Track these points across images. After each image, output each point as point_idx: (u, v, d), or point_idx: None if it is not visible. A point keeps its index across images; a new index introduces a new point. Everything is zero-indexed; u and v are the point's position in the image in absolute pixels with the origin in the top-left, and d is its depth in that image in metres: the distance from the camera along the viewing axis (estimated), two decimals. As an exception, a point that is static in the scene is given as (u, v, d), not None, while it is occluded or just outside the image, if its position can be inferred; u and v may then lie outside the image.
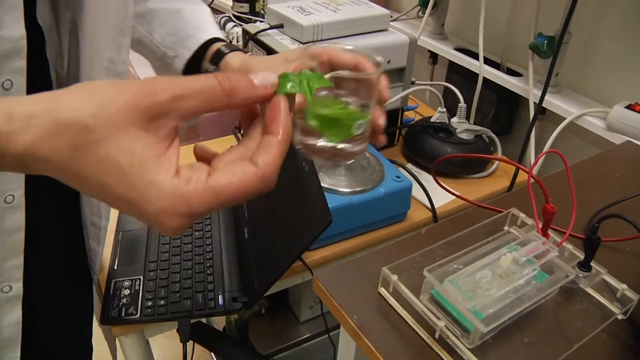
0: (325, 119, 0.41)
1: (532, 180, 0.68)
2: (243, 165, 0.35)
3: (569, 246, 0.67)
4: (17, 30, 0.48)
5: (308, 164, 0.86)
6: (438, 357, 0.57)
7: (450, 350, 0.56)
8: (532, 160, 1.19)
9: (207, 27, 0.76)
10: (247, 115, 0.41)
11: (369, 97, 0.44)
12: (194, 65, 0.75)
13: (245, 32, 1.08)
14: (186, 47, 0.75)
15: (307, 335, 1.19)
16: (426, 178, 1.08)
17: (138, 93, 0.33)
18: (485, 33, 1.27)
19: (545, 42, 1.12)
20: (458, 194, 0.88)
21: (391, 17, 1.56)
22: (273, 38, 1.04)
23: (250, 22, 1.52)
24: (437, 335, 0.57)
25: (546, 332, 0.60)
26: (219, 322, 1.24)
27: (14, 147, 0.32)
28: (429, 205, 1.02)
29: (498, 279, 0.59)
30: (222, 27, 1.59)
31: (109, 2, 0.60)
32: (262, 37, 1.04)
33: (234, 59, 0.71)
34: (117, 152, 0.33)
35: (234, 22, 1.59)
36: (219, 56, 0.72)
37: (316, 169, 0.84)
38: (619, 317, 0.64)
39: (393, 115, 1.16)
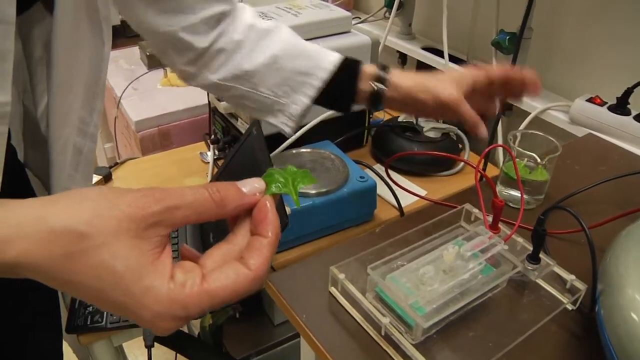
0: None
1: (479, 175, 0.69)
2: (235, 266, 0.36)
3: (520, 239, 0.67)
4: (2, 96, 0.48)
5: (267, 167, 0.86)
6: (385, 354, 0.57)
7: (396, 346, 0.56)
8: (500, 157, 1.20)
9: (316, 65, 0.76)
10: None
11: None
12: (331, 92, 0.77)
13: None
14: (303, 93, 0.77)
15: (282, 338, 1.19)
16: (394, 178, 1.08)
17: (133, 205, 0.34)
18: (450, 31, 1.27)
19: (507, 38, 1.13)
20: (413, 190, 0.88)
21: (360, 18, 1.58)
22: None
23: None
24: (383, 332, 0.57)
25: (493, 325, 0.60)
26: (194, 328, 1.24)
27: (5, 255, 0.32)
28: (396, 205, 1.02)
29: (442, 274, 0.59)
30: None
31: (81, 63, 0.60)
32: (225, 43, 1.05)
33: (402, 79, 0.75)
34: (113, 258, 0.33)
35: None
36: (381, 80, 0.75)
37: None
38: (569, 307, 0.64)
39: (360, 116, 1.17)
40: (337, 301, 0.63)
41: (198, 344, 1.09)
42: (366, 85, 0.75)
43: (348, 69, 0.76)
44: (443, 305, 0.56)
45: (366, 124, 1.19)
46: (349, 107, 0.78)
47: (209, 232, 0.96)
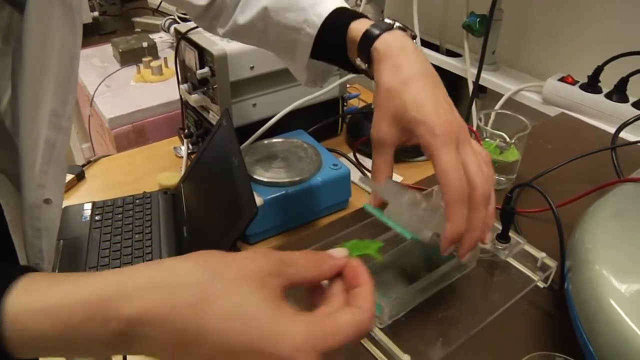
0: None
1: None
2: (349, 309, 0.37)
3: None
4: None
5: (237, 158, 0.84)
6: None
7: (364, 330, 0.55)
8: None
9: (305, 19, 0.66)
10: (310, 289, 0.42)
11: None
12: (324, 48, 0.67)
13: (177, 32, 1.06)
14: (299, 51, 0.69)
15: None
16: (369, 165, 1.07)
17: (249, 258, 0.36)
18: (422, 16, 1.26)
19: (477, 20, 1.12)
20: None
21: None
22: (203, 36, 1.02)
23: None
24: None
25: (463, 305, 0.59)
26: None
27: (126, 310, 0.32)
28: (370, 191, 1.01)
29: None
30: (167, 29, 1.57)
31: (53, 54, 0.57)
32: (192, 36, 1.03)
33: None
34: (243, 300, 0.34)
35: (178, 23, 1.57)
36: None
37: (245, 161, 0.83)
38: (540, 285, 0.64)
39: (333, 105, 1.15)
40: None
41: None
42: (353, 54, 0.64)
43: (336, 26, 0.65)
44: (410, 288, 0.55)
45: (340, 112, 1.17)
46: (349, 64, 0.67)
47: (182, 226, 0.95)
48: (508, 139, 0.75)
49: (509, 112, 0.80)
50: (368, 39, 0.59)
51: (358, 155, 1.01)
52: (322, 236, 0.64)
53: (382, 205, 0.57)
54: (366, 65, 0.61)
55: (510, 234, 0.63)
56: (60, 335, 0.33)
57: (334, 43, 0.65)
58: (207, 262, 0.36)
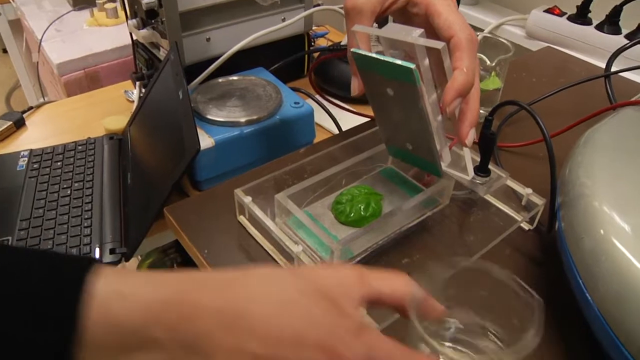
0: None
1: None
2: None
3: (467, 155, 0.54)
4: None
5: (182, 91, 0.72)
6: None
7: (313, 280, 0.44)
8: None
9: None
10: None
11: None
12: None
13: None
14: None
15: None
16: (337, 107, 0.95)
17: None
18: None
19: (456, -54, 0.98)
20: (347, 106, 0.75)
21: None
22: None
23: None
24: (295, 264, 0.45)
25: (433, 249, 0.48)
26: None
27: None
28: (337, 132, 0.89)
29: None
30: None
31: None
32: None
33: None
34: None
35: None
36: None
37: (190, 96, 0.71)
38: (525, 227, 0.53)
39: (298, 42, 1.02)
40: (248, 232, 0.50)
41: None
42: None
43: None
44: (366, 228, 0.44)
45: (306, 49, 1.04)
46: None
47: (127, 172, 0.83)
48: (488, 62, 0.63)
49: (490, 35, 0.68)
50: None
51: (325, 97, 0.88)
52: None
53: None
54: None
55: (490, 167, 0.52)
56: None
57: None
58: None
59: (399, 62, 0.41)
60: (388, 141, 0.52)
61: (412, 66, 0.40)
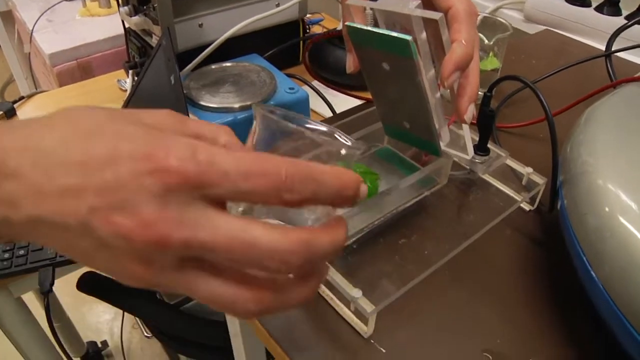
0: None
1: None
2: None
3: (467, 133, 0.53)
4: None
5: (174, 76, 0.70)
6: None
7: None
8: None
9: None
10: None
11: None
12: None
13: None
14: None
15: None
16: (333, 93, 0.93)
17: None
18: None
19: None
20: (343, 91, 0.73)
21: None
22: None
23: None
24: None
25: (430, 229, 0.47)
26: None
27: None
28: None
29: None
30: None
31: None
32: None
33: None
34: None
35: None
36: None
37: (182, 82, 0.69)
38: (525, 207, 0.51)
39: (293, 29, 1.00)
40: (239, 215, 0.48)
41: (127, 289, 0.94)
42: None
43: None
44: (361, 207, 0.42)
45: (301, 36, 1.02)
46: None
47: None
48: (487, 42, 0.62)
49: (487, 14, 0.66)
50: None
51: (320, 83, 0.87)
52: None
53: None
54: None
55: (489, 146, 0.50)
56: None
57: None
58: None
59: (394, 34, 0.39)
60: (385, 120, 0.50)
61: (409, 38, 0.38)
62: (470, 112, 0.42)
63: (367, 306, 0.37)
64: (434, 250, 0.43)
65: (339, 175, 0.24)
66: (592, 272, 0.38)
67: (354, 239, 0.43)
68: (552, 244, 0.48)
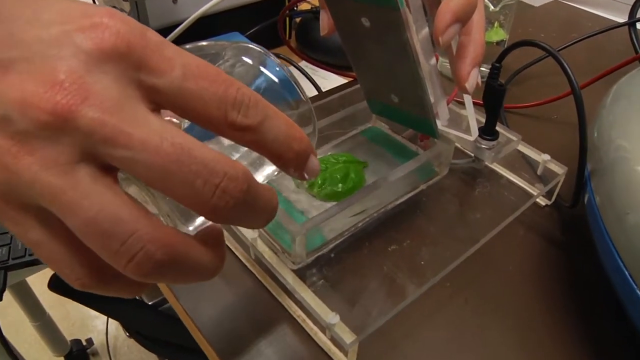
0: None
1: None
2: None
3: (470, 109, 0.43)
4: None
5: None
6: (260, 286, 0.34)
7: (272, 275, 0.33)
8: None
9: None
10: None
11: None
12: None
13: None
14: None
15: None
16: (324, 75, 0.84)
17: None
18: None
19: None
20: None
21: None
22: None
23: None
24: (252, 255, 0.34)
25: (427, 233, 0.37)
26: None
27: None
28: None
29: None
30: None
31: None
32: None
33: None
34: None
35: None
36: None
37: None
38: (541, 202, 0.42)
39: (277, 5, 0.91)
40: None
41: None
42: None
43: None
44: (341, 205, 0.32)
45: (285, 12, 0.92)
46: None
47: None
48: (492, 7, 0.52)
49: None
50: None
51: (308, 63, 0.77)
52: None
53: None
54: None
55: (497, 129, 0.41)
56: None
57: None
58: None
59: None
60: (369, 95, 0.40)
61: None
62: (473, 78, 0.32)
63: (346, 335, 0.28)
64: (432, 259, 0.34)
65: (291, 122, 0.20)
66: (634, 285, 0.29)
67: (331, 245, 0.34)
68: (575, 247, 0.39)
